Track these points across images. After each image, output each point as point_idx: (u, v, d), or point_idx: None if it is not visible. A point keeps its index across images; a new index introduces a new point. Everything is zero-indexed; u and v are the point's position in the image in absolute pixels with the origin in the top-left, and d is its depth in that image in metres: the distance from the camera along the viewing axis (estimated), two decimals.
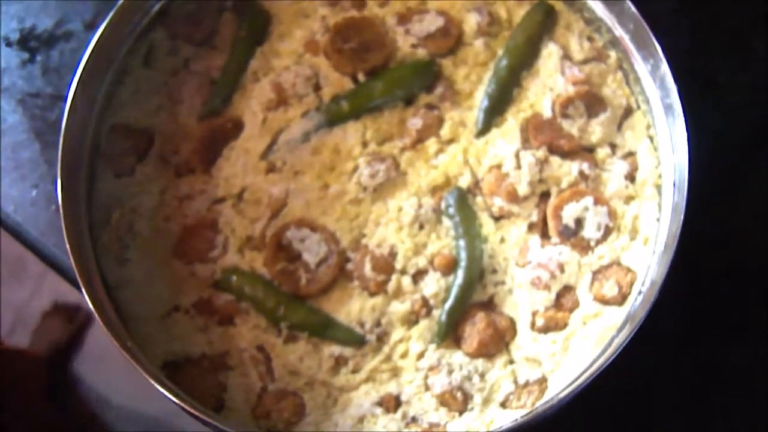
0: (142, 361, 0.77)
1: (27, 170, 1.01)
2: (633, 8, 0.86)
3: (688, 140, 0.80)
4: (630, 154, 0.89)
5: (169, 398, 0.75)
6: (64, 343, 1.71)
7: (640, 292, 0.82)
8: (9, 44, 1.05)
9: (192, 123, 0.89)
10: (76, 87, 0.83)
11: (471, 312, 0.83)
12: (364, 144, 0.88)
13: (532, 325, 0.84)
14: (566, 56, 0.91)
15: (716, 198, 0.90)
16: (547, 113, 0.89)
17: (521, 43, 0.90)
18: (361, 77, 0.89)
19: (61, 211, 0.81)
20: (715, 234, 0.94)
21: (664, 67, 0.83)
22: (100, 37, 0.85)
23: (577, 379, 0.79)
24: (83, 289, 0.78)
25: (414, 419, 0.82)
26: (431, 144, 0.88)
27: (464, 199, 0.86)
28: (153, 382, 0.75)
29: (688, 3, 1.04)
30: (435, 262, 0.85)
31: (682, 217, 0.79)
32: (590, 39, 0.92)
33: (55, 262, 0.99)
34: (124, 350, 0.76)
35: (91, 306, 0.78)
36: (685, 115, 0.81)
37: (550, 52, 0.91)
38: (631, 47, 0.88)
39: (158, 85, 0.91)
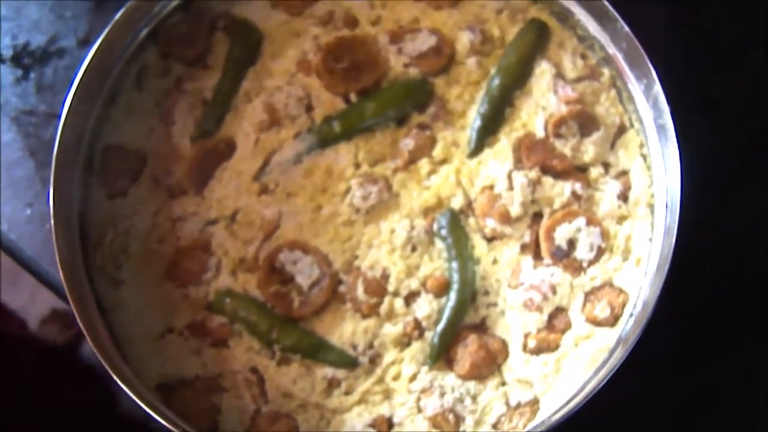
0: (134, 385, 0.77)
1: (21, 188, 1.00)
2: (626, 28, 0.85)
3: (680, 162, 0.80)
4: (623, 173, 0.89)
5: (161, 423, 0.76)
6: (63, 348, 1.72)
7: (631, 315, 0.82)
8: (2, 61, 1.05)
9: (185, 144, 0.89)
10: (70, 105, 0.83)
11: (463, 334, 0.84)
12: (357, 165, 0.88)
13: (524, 346, 0.84)
14: (559, 74, 0.90)
15: (709, 216, 0.90)
16: (539, 133, 0.88)
17: (514, 62, 0.90)
18: (353, 97, 0.89)
19: (53, 232, 0.81)
20: (709, 252, 0.94)
21: (657, 88, 0.83)
22: (94, 54, 0.85)
23: (569, 401, 0.79)
24: (75, 313, 0.79)
25: None
26: (423, 165, 0.88)
27: (457, 221, 0.86)
28: (144, 406, 0.75)
29: (682, 15, 1.04)
30: (427, 284, 0.85)
31: (674, 239, 0.79)
32: (583, 56, 0.91)
33: (49, 280, 0.99)
34: (115, 374, 0.76)
35: (83, 329, 0.79)
36: (677, 136, 0.81)
37: (543, 71, 0.90)
38: (624, 66, 0.88)
39: (150, 107, 0.91)
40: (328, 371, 0.83)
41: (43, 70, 1.04)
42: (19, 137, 1.02)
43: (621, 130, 0.90)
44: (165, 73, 0.92)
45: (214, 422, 0.82)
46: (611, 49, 0.89)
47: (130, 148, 0.89)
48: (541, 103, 0.89)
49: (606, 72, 0.90)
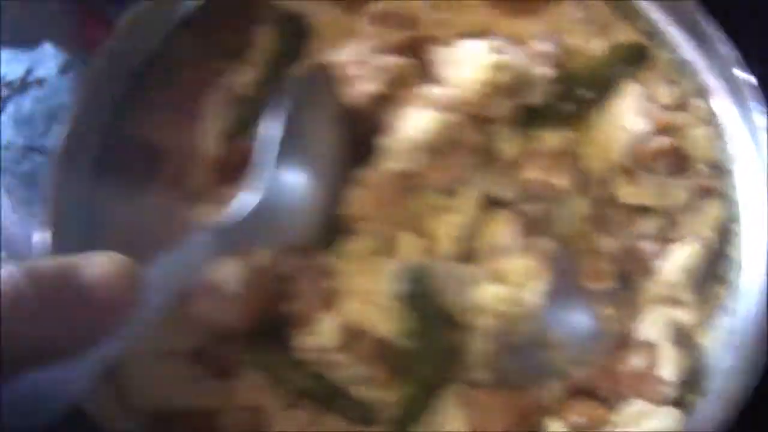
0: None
1: None
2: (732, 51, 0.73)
3: None
4: None
5: None
6: None
7: None
8: None
9: (209, 144, 0.79)
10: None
11: None
12: None
13: None
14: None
15: None
16: None
17: None
18: None
19: None
20: None
21: None
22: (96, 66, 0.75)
23: None
24: None
25: None
26: None
27: None
28: None
29: None
30: None
31: None
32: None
33: None
34: None
35: None
36: None
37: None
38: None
39: (175, 100, 0.80)
40: None
41: (21, 102, 0.93)
42: None
43: None
44: (198, 65, 0.82)
45: None
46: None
47: (145, 141, 0.78)
48: None
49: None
